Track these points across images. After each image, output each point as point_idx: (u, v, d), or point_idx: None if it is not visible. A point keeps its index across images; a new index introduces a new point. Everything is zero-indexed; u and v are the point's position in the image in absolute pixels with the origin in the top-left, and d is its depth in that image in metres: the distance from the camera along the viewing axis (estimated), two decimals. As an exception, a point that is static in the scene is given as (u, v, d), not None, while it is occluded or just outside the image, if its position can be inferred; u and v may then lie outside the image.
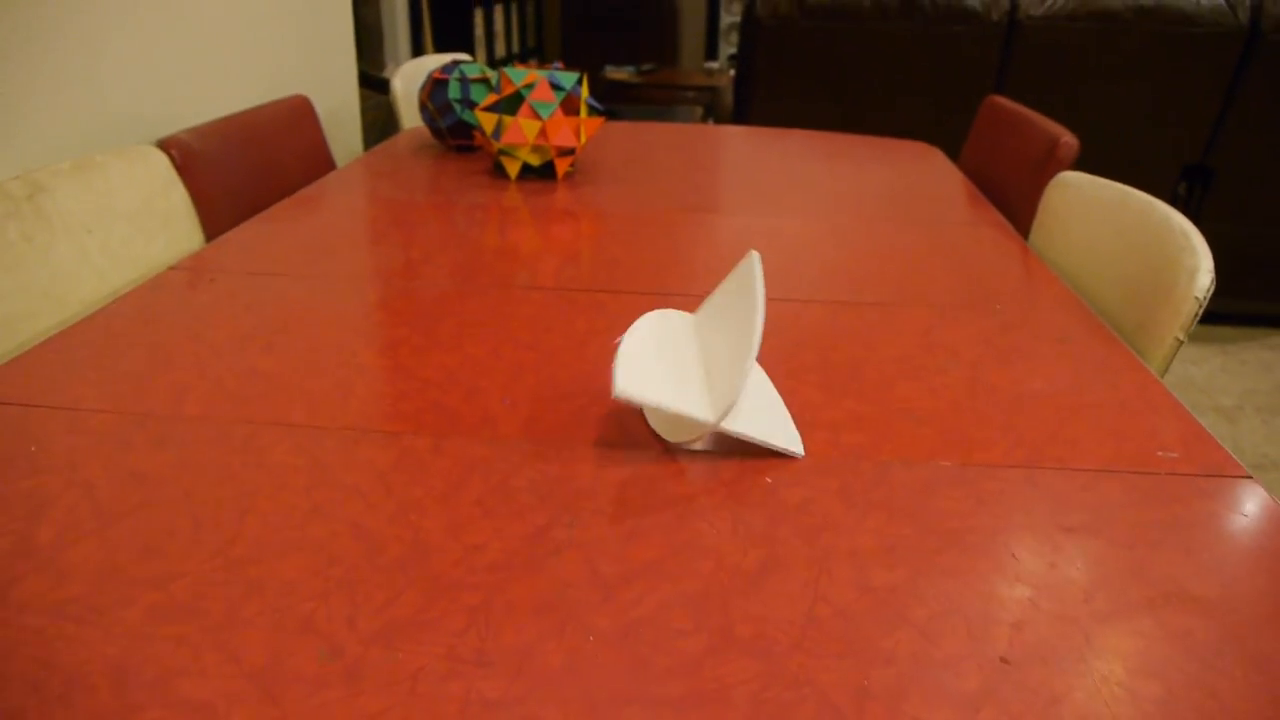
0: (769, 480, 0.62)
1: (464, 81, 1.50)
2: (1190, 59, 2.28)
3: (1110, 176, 1.08)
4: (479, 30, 4.33)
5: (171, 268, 0.99)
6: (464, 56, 2.02)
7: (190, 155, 1.19)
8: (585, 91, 1.38)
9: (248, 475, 0.60)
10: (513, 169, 1.38)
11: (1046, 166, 1.24)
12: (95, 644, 0.46)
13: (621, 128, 1.87)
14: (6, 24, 1.05)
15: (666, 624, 0.48)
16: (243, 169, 1.31)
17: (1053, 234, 1.15)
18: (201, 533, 0.55)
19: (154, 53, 1.32)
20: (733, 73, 4.31)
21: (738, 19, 5.29)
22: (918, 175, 1.52)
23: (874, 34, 2.37)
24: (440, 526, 0.56)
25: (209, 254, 1.04)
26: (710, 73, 4.65)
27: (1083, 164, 1.24)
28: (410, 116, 1.84)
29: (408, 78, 1.85)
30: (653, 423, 0.69)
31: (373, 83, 2.40)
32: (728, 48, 5.37)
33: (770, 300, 0.94)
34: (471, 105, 1.50)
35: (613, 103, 4.13)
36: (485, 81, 1.51)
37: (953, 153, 1.78)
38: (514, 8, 4.88)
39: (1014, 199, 1.35)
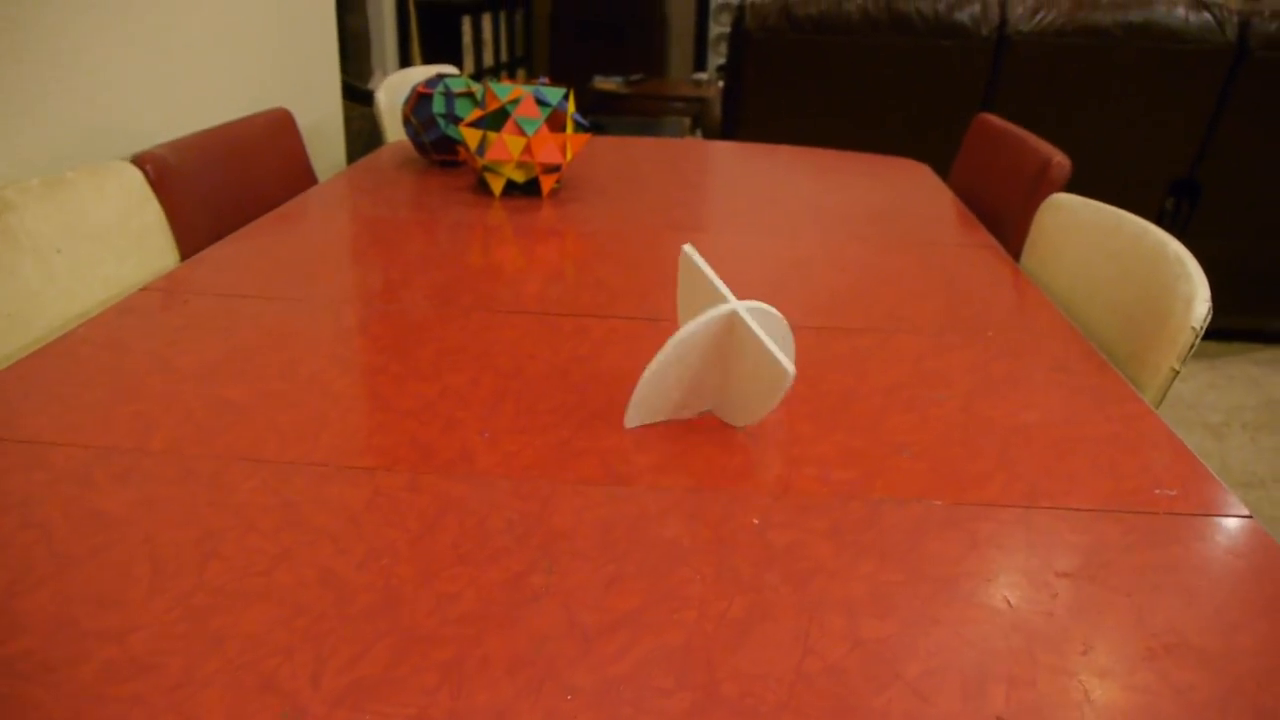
0: (756, 521, 0.60)
1: (448, 96, 1.48)
2: (1179, 75, 2.29)
3: (1099, 191, 1.07)
4: (466, 39, 4.32)
5: (143, 289, 0.96)
6: (449, 69, 2.00)
7: (165, 171, 1.16)
8: (571, 107, 1.36)
9: (213, 516, 0.58)
10: (497, 185, 1.36)
11: (1038, 187, 1.23)
12: (44, 705, 0.43)
13: (608, 143, 1.86)
14: (-25, 37, 1.02)
15: (648, 681, 0.46)
16: (220, 185, 1.29)
17: (1044, 257, 1.13)
18: (162, 579, 0.52)
19: (127, 64, 1.30)
20: (721, 84, 4.30)
21: (727, 29, 5.29)
22: (907, 193, 1.51)
23: (863, 47, 2.37)
24: (413, 573, 0.54)
25: (182, 274, 1.01)
26: (698, 84, 4.65)
27: (1072, 179, 1.23)
28: (394, 130, 1.82)
29: (392, 90, 1.83)
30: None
31: (357, 95, 2.38)
32: (716, 58, 5.38)
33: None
34: (456, 120, 1.49)
35: (600, 113, 4.12)
36: (470, 96, 1.49)
37: (942, 169, 1.77)
38: (502, 17, 4.87)
39: (1004, 219, 1.34)
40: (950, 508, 0.62)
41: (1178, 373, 0.81)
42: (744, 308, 0.69)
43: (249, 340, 0.85)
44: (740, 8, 2.43)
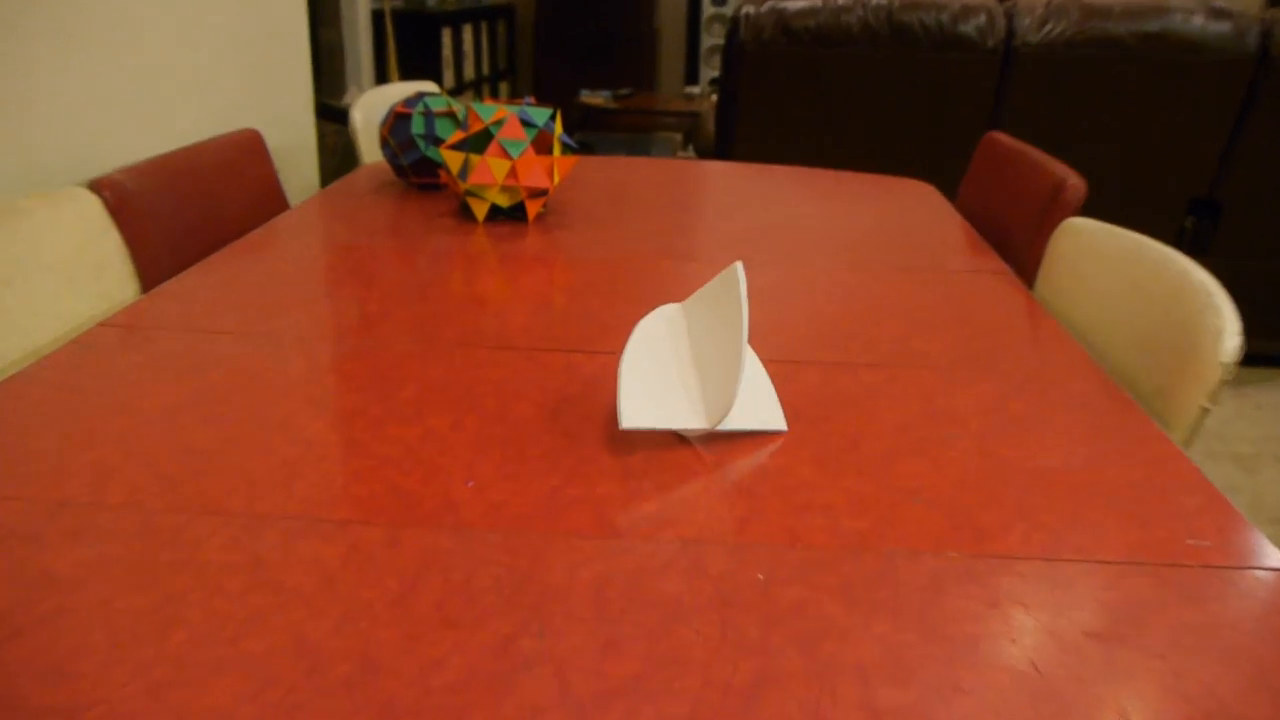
0: (761, 577, 0.59)
1: (429, 116, 1.49)
2: (1196, 87, 2.31)
3: (1115, 211, 1.08)
4: (447, 51, 4.34)
5: (101, 324, 0.96)
6: (430, 87, 2.01)
7: (125, 197, 1.16)
8: (559, 128, 1.37)
9: (176, 577, 0.57)
10: (480, 211, 1.37)
11: (1052, 211, 1.24)
12: (-12, 793, 0.42)
13: (596, 164, 1.86)
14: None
15: (649, 758, 0.45)
16: (184, 212, 1.28)
17: (1060, 285, 1.14)
18: (120, 650, 0.51)
19: (84, 84, 1.30)
20: (715, 98, 4.34)
21: (720, 41, 5.34)
22: (913, 216, 1.51)
23: (863, 60, 2.39)
24: (393, 638, 0.53)
25: (144, 307, 1.00)
26: (691, 98, 4.68)
27: (1086, 197, 1.24)
28: (371, 151, 1.82)
29: (369, 109, 1.83)
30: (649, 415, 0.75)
31: (331, 113, 2.38)
32: (709, 71, 5.42)
33: (761, 361, 0.92)
34: (436, 141, 1.49)
35: (587, 130, 4.14)
36: (452, 116, 1.49)
37: (948, 190, 1.78)
38: (484, 28, 4.90)
39: (1017, 245, 1.34)
40: (968, 560, 0.61)
41: (1208, 411, 0.80)
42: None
43: (216, 380, 0.84)
44: (734, 19, 2.45)
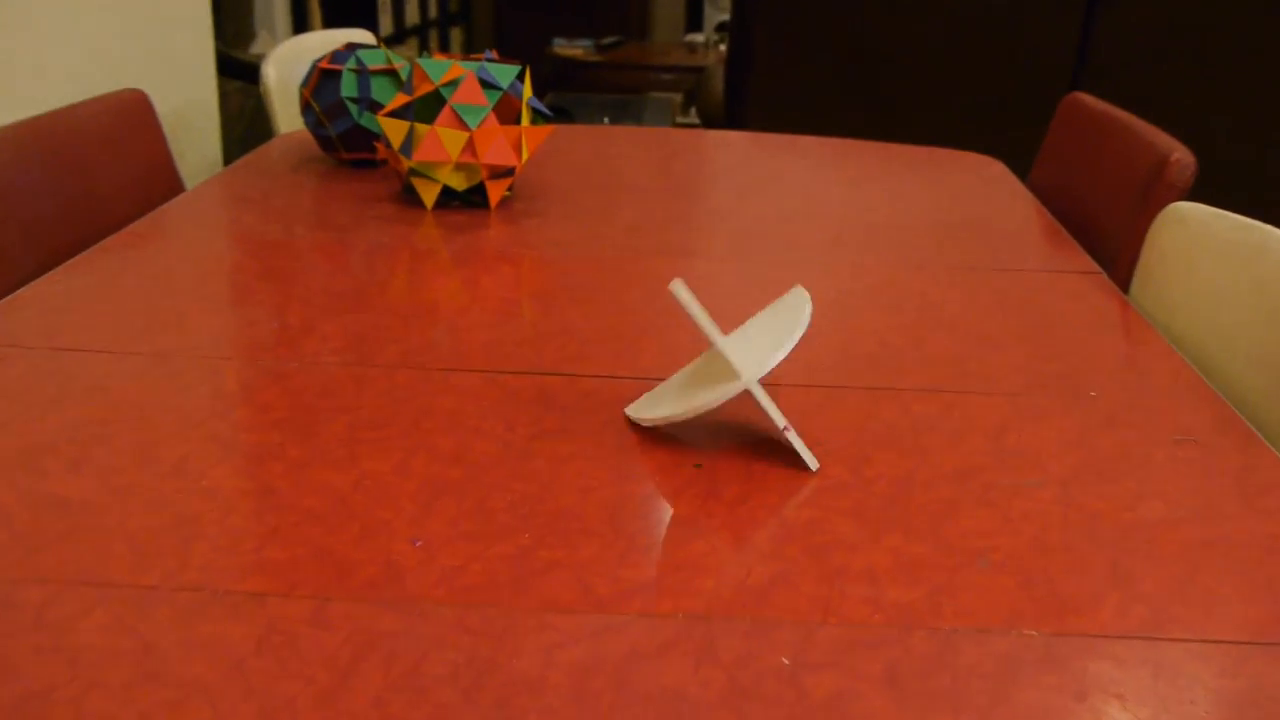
0: (786, 661, 0.60)
1: (363, 74, 1.50)
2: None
3: (1233, 195, 1.09)
4: (382, -10, 4.37)
5: (-57, 342, 0.96)
6: (363, 36, 2.03)
7: (-26, 179, 1.16)
8: (528, 90, 1.38)
9: (39, 669, 0.57)
10: (429, 195, 1.37)
11: (1152, 193, 1.26)
12: None
13: (576, 135, 1.88)
14: None
15: None
16: (47, 196, 1.29)
17: (1163, 288, 1.15)
18: (-30, 760, 0.51)
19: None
20: (724, 48, 4.38)
21: (730, -25, 5.38)
22: (976, 201, 1.53)
23: (909, 2, 2.41)
24: (320, 744, 0.53)
25: (-3, 321, 1.01)
26: (693, 48, 4.72)
27: (1197, 178, 1.25)
28: (289, 117, 1.83)
29: (286, 63, 1.85)
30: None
31: (237, 68, 2.39)
32: (716, 14, 5.46)
33: (785, 385, 0.93)
34: (373, 107, 1.50)
35: (563, 90, 4.17)
36: (392, 75, 1.51)
37: (1020, 166, 1.80)
38: (429, -41, 4.94)
39: (1107, 236, 1.36)
40: (1048, 640, 0.62)
41: (1349, 448, 0.82)
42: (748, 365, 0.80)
43: (90, 413, 0.84)
44: (750, -50, 2.48)
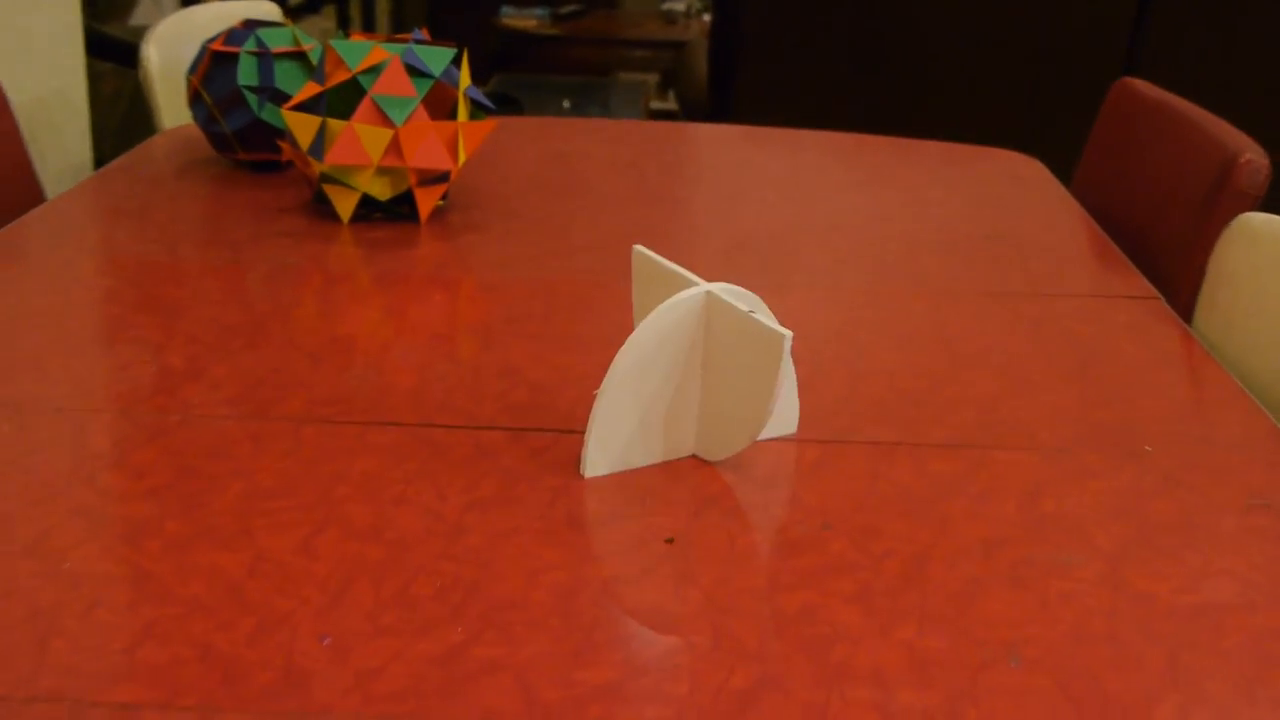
0: (777, 784, 0.60)
1: (264, 57, 1.50)
2: None
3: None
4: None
5: None
6: (267, 11, 2.03)
7: None
8: (466, 77, 1.38)
9: None
10: (346, 206, 1.37)
11: (1218, 201, 1.27)
12: None
13: (526, 129, 1.88)
14: None
15: None
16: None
17: (1232, 315, 1.16)
18: None
19: None
20: (708, 18, 4.40)
21: (715, -69, 5.41)
22: (1009, 208, 1.54)
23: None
24: None
25: None
26: (672, 19, 4.74)
27: (1271, 184, 1.27)
28: (174, 108, 1.83)
29: (171, 44, 1.85)
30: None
31: (111, 47, 2.39)
32: (699, -23, 5.50)
33: (771, 438, 0.94)
34: (277, 98, 1.50)
35: (513, 70, 4.18)
36: (301, 58, 1.51)
37: (1062, 168, 1.81)
38: (348, -88, 4.95)
39: (1165, 253, 1.37)
40: (1093, 753, 0.63)
41: None
42: (716, 287, 0.86)
43: (-76, 481, 0.84)
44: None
